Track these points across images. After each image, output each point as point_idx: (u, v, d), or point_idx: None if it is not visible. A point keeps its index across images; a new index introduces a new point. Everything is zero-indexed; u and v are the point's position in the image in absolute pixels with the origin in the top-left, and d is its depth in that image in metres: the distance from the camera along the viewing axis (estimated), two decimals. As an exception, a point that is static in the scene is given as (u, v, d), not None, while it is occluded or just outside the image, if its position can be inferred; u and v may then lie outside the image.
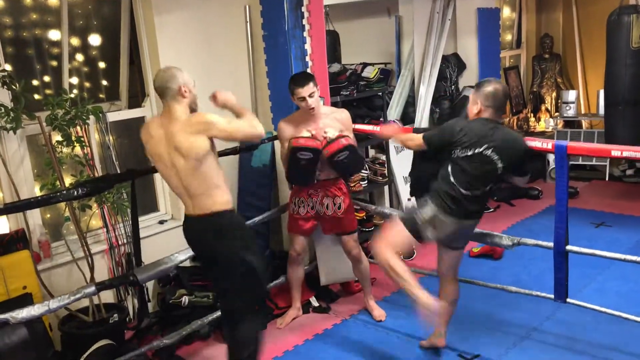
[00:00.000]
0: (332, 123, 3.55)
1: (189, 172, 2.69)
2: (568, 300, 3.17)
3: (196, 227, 2.81)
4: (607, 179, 6.53)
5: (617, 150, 2.91)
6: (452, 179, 2.85)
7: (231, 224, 2.80)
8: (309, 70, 4.07)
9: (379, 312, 3.82)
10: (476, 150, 2.79)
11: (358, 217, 4.68)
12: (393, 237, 2.99)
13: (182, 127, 2.66)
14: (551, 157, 6.33)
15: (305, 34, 4.11)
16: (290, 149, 3.43)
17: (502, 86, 2.90)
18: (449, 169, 2.86)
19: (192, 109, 2.78)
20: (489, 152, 2.79)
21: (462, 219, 2.90)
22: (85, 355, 3.15)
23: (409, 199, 5.10)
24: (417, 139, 3.04)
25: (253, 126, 2.76)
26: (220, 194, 2.76)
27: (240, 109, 2.86)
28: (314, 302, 4.04)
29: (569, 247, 3.08)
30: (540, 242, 3.23)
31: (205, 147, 2.66)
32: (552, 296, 3.23)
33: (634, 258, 2.98)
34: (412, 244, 3.04)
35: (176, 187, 2.78)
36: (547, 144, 3.09)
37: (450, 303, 3.21)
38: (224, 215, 2.77)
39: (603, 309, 3.14)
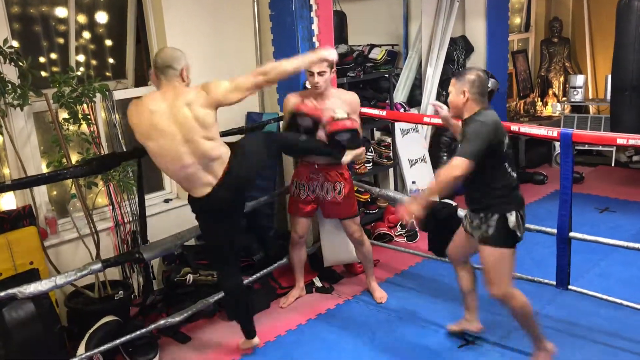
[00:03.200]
0: (339, 105, 3.54)
1: (206, 138, 2.77)
2: (570, 287, 3.18)
3: (229, 183, 2.90)
4: (613, 164, 6.52)
5: (623, 139, 2.89)
6: (511, 172, 2.81)
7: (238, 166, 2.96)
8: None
9: (380, 294, 3.85)
10: (507, 135, 2.81)
11: (362, 199, 4.71)
12: (506, 271, 2.87)
13: (196, 98, 2.74)
14: (557, 143, 6.31)
15: (313, 14, 4.09)
16: (292, 113, 3.45)
17: (483, 72, 2.87)
18: (506, 164, 2.79)
19: None
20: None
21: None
22: (91, 331, 3.19)
23: (413, 182, 5.12)
24: (460, 166, 2.66)
25: (260, 78, 2.90)
26: (225, 151, 2.89)
27: None
28: (317, 283, 4.07)
29: (572, 234, 3.09)
30: (543, 228, 3.24)
31: (212, 114, 2.81)
32: (554, 283, 3.24)
33: (636, 245, 2.99)
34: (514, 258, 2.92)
35: (189, 162, 2.80)
36: (553, 132, 3.08)
37: (475, 282, 3.22)
38: (231, 165, 2.91)
39: (604, 297, 3.15)
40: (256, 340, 3.31)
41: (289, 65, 2.97)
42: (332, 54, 3.18)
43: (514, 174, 2.83)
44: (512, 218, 2.80)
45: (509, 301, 2.87)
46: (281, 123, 4.01)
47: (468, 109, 2.81)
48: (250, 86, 2.87)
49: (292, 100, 3.59)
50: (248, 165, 2.99)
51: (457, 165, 2.67)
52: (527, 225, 3.26)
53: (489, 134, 2.70)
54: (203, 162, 2.83)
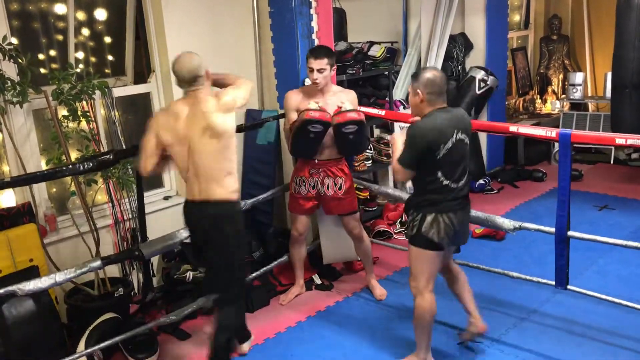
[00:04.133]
0: (338, 102, 3.54)
1: (213, 153, 2.72)
2: (569, 287, 3.19)
3: (204, 213, 2.80)
4: (612, 162, 6.52)
5: (621, 139, 2.89)
6: (444, 182, 2.76)
7: (237, 214, 2.87)
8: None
9: (380, 291, 3.86)
10: (453, 140, 2.74)
11: (362, 197, 4.71)
12: (422, 270, 2.90)
13: (214, 106, 2.71)
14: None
15: (312, 11, 4.08)
16: (302, 121, 3.42)
17: (440, 72, 2.85)
18: (439, 173, 2.75)
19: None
20: (460, 135, 2.77)
21: (458, 212, 2.84)
22: (90, 328, 3.19)
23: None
24: (398, 171, 2.83)
25: (247, 87, 2.91)
26: (234, 181, 2.81)
27: (225, 77, 2.96)
28: (317, 280, 4.08)
29: (570, 233, 3.09)
30: (542, 227, 3.24)
31: (233, 125, 2.76)
32: (553, 282, 3.24)
33: (635, 244, 2.99)
34: (441, 260, 2.94)
35: (191, 170, 2.76)
36: (552, 133, 3.08)
37: (464, 284, 3.18)
38: (235, 205, 2.84)
39: (603, 296, 3.16)
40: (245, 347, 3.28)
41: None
42: None
43: (452, 185, 2.77)
44: (426, 223, 2.79)
45: (416, 299, 2.92)
46: (281, 120, 4.02)
47: (424, 109, 2.81)
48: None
49: (293, 97, 3.60)
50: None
51: (396, 171, 2.85)
52: (525, 224, 3.28)
53: (421, 141, 2.71)
54: (206, 175, 2.77)
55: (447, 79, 2.90)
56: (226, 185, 2.77)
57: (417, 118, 2.88)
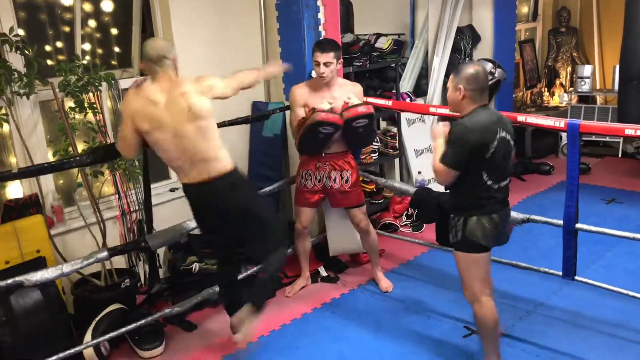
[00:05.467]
0: (344, 95, 3.53)
1: (200, 134, 2.72)
2: (576, 278, 3.17)
3: (212, 190, 2.81)
4: (620, 155, 6.48)
5: (631, 129, 2.86)
6: (488, 181, 2.64)
7: (243, 177, 2.98)
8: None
9: (386, 284, 3.85)
10: (498, 138, 2.60)
11: (368, 189, 4.70)
12: (475, 275, 2.78)
13: (192, 88, 2.71)
14: (564, 133, 6.28)
15: (319, 2, 4.06)
16: (313, 122, 3.39)
17: (482, 67, 2.70)
18: (484, 174, 2.62)
19: None
20: (504, 134, 2.65)
21: (501, 212, 2.74)
22: (97, 319, 3.21)
23: (419, 172, 5.11)
24: (441, 173, 2.65)
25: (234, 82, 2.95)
26: (226, 153, 2.84)
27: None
28: (323, 272, 4.08)
29: (578, 226, 3.07)
30: (550, 220, 3.22)
31: (211, 107, 2.78)
32: (560, 274, 3.23)
33: (643, 236, 2.97)
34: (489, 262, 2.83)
35: (181, 155, 2.75)
36: (560, 123, 3.06)
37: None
38: (236, 172, 2.87)
39: (610, 287, 3.14)
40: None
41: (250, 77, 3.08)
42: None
43: (494, 185, 2.65)
44: (470, 225, 2.68)
45: (474, 306, 2.82)
46: (287, 112, 4.01)
47: (465, 107, 2.66)
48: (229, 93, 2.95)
49: (299, 92, 3.59)
50: (241, 202, 2.90)
51: (440, 173, 2.66)
52: (533, 217, 3.27)
53: (472, 140, 2.55)
54: (198, 157, 2.78)
55: (488, 75, 2.76)
56: (221, 158, 2.80)
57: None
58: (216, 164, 2.78)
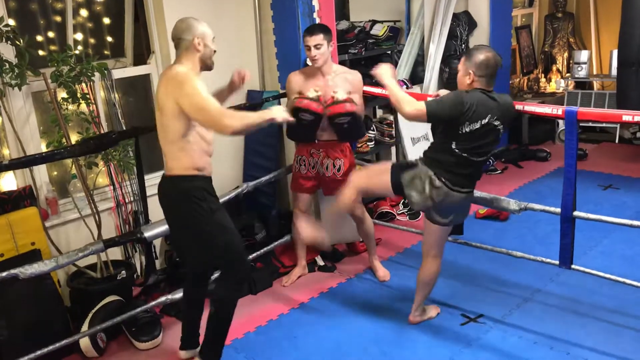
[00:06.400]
0: (341, 83, 3.51)
1: (161, 127, 2.62)
2: (573, 266, 3.17)
3: (163, 188, 2.74)
4: (617, 141, 6.47)
5: (628, 115, 2.85)
6: (456, 150, 2.78)
7: (191, 189, 2.64)
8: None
9: (383, 272, 3.85)
10: (483, 122, 2.74)
11: (364, 178, 4.68)
12: (373, 178, 3.02)
13: (166, 81, 2.57)
14: (561, 120, 6.27)
15: (313, -11, 4.02)
16: (291, 108, 3.39)
17: (493, 53, 2.79)
18: (453, 144, 2.77)
19: (207, 65, 2.67)
20: (493, 120, 2.77)
21: (452, 189, 2.83)
22: (94, 311, 3.20)
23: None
24: (417, 105, 2.73)
25: (225, 123, 2.46)
26: (186, 158, 2.60)
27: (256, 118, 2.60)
28: (320, 261, 4.07)
29: (576, 213, 3.06)
30: (547, 208, 3.20)
31: (173, 109, 2.51)
32: (557, 262, 3.22)
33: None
34: (388, 193, 3.07)
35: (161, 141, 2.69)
36: (558, 110, 3.04)
37: (425, 283, 3.17)
38: (184, 180, 2.64)
39: (607, 275, 3.13)
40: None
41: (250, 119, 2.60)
42: (280, 115, 2.69)
43: (464, 159, 2.79)
44: (414, 171, 2.86)
45: (349, 185, 3.08)
46: (282, 100, 3.98)
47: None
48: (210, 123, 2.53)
49: (294, 80, 3.57)
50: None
51: (412, 103, 2.75)
52: (530, 205, 3.25)
53: (456, 103, 2.69)
54: (163, 149, 2.69)
55: (500, 60, 2.84)
56: (180, 159, 2.61)
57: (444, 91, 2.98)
58: (172, 163, 2.64)
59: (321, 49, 3.41)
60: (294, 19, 4.01)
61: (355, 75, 3.62)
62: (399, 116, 5.00)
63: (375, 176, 3.05)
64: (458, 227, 3.37)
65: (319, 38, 3.39)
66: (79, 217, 3.53)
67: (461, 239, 3.56)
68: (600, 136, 6.67)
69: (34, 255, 3.19)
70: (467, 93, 2.76)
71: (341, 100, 3.41)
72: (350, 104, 3.43)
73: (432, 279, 3.16)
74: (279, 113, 2.65)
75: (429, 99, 2.93)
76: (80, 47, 3.80)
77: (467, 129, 2.72)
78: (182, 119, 2.53)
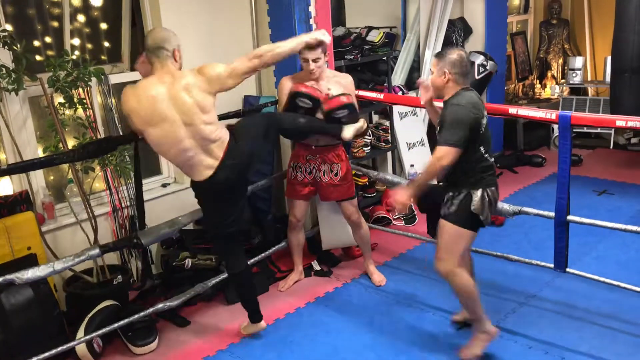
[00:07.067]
0: (334, 86, 3.53)
1: (206, 122, 2.79)
2: (567, 270, 3.19)
3: (232, 154, 2.90)
4: (611, 147, 6.51)
5: (621, 121, 2.87)
6: (486, 156, 2.82)
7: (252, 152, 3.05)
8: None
9: (379, 277, 3.85)
10: (484, 113, 2.81)
11: (360, 183, 4.70)
12: (457, 250, 2.85)
13: (195, 82, 2.75)
14: (556, 125, 6.30)
15: (310, -5, 4.04)
16: (291, 93, 3.41)
17: (464, 52, 2.85)
18: (482, 148, 2.79)
19: None
20: (486, 113, 2.84)
21: (496, 184, 2.92)
22: (90, 315, 3.20)
23: (411, 165, 5.11)
24: (447, 155, 2.69)
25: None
26: (225, 133, 2.92)
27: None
28: (316, 266, 4.08)
29: (570, 218, 3.08)
30: (541, 212, 3.23)
31: (211, 101, 2.83)
32: (552, 265, 3.24)
33: (634, 228, 2.98)
34: (473, 238, 2.91)
35: (189, 146, 2.79)
36: (551, 115, 3.06)
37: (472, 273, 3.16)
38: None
39: (602, 279, 3.15)
40: (262, 324, 3.30)
41: (284, 47, 3.02)
42: (326, 36, 3.26)
43: (490, 159, 2.85)
44: (476, 198, 2.79)
45: (450, 279, 2.87)
46: (276, 106, 3.99)
47: (449, 90, 2.82)
48: (246, 70, 2.89)
49: (287, 83, 3.57)
50: (246, 148, 2.98)
51: (444, 156, 2.69)
52: (525, 209, 3.27)
53: (468, 116, 2.70)
54: (203, 145, 2.83)
55: (469, 59, 2.90)
56: (223, 136, 2.91)
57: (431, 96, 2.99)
58: (220, 146, 2.93)
59: (319, 62, 3.43)
60: (291, 25, 4.03)
61: (347, 78, 3.65)
62: (395, 121, 5.05)
63: (458, 246, 2.86)
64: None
65: (317, 52, 3.40)
66: (75, 222, 3.53)
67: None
68: (595, 142, 6.70)
69: (30, 260, 3.18)
70: (456, 99, 2.78)
71: (337, 95, 3.43)
72: (347, 96, 3.45)
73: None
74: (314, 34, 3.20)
75: (424, 101, 3.07)
76: (77, 52, 3.80)
77: (483, 126, 2.78)
78: (214, 104, 2.83)
